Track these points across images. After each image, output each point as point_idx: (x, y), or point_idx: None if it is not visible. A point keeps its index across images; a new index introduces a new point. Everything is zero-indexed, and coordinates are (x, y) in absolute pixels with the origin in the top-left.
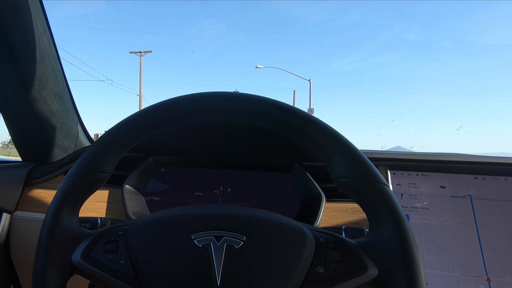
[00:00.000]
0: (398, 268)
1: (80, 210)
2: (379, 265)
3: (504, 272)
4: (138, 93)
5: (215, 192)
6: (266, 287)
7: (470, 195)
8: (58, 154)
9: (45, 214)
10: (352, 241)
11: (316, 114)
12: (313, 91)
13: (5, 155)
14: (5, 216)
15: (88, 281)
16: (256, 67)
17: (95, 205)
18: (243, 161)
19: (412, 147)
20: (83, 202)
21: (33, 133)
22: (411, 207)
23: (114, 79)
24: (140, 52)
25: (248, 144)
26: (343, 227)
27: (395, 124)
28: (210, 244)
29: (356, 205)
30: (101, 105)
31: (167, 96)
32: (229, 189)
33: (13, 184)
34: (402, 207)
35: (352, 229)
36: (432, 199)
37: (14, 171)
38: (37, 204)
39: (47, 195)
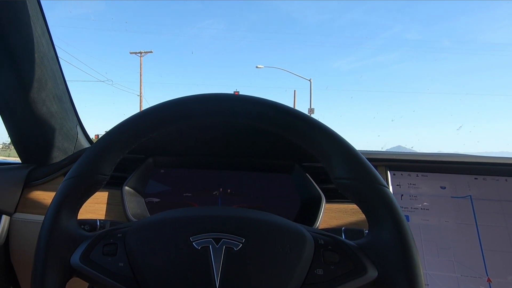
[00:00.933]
0: (398, 269)
1: (80, 211)
2: (379, 267)
3: (505, 272)
4: (139, 94)
5: (215, 193)
6: None
7: (470, 196)
8: (57, 156)
9: (44, 216)
10: (351, 242)
11: (316, 114)
12: (313, 91)
13: (4, 157)
14: (5, 218)
15: (87, 284)
16: (257, 67)
17: (95, 207)
18: (243, 161)
19: (412, 147)
20: (82, 204)
21: (33, 135)
22: (411, 208)
23: (115, 80)
24: (140, 52)
25: (248, 145)
26: (343, 228)
27: (395, 125)
28: (209, 247)
29: (355, 206)
30: (102, 105)
31: (168, 97)
32: (229, 190)
33: (12, 186)
34: (402, 207)
35: (351, 231)
36: (432, 199)
37: (14, 173)
38: (37, 206)
39: (46, 196)
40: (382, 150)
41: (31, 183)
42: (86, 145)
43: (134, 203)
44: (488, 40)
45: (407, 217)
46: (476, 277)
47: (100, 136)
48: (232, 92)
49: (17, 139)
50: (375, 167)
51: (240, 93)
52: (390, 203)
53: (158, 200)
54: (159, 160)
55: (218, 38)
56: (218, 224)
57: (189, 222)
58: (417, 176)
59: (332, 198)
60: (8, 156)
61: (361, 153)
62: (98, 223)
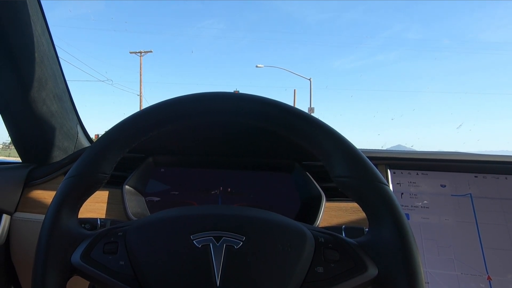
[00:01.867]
0: (398, 267)
1: (80, 211)
2: (379, 265)
3: (505, 270)
4: (139, 94)
5: (215, 192)
6: (266, 287)
7: (470, 194)
8: (58, 155)
9: (44, 215)
10: (351, 240)
11: (316, 113)
12: (314, 90)
13: (5, 156)
14: (5, 217)
15: (88, 282)
16: (257, 66)
17: (95, 206)
18: (243, 160)
19: (412, 146)
20: (83, 203)
21: (33, 135)
22: (412, 206)
23: (114, 80)
24: (140, 52)
25: (248, 143)
26: (343, 226)
27: (395, 123)
28: (210, 245)
29: (356, 204)
30: (102, 105)
31: (168, 96)
32: (229, 189)
33: (13, 185)
34: (402, 206)
35: (352, 229)
36: (433, 197)
37: (14, 172)
38: (37, 205)
39: (47, 196)
40: (383, 149)
41: (31, 182)
42: (86, 144)
43: (134, 202)
44: (488, 39)
45: (407, 215)
46: (476, 275)
47: (100, 136)
48: (232, 91)
49: (18, 139)
50: (376, 165)
51: (240, 92)
52: (391, 201)
53: (158, 198)
54: (159, 159)
55: (218, 38)
56: (219, 222)
57: (189, 220)
58: (417, 174)
59: (332, 196)
60: (9, 156)
61: (361, 152)
62: (98, 222)
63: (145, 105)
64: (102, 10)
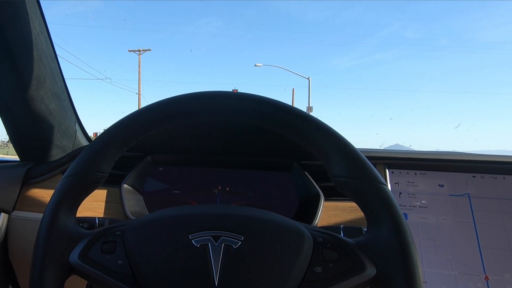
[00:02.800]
0: (396, 267)
1: (78, 209)
2: (377, 265)
3: (502, 270)
4: (137, 92)
5: (213, 191)
6: (264, 287)
7: (468, 194)
8: (56, 153)
9: (43, 214)
10: (350, 240)
11: (314, 112)
12: (312, 89)
13: (3, 154)
14: (3, 216)
15: (86, 282)
16: (255, 65)
17: (93, 204)
18: (241, 159)
19: (410, 145)
20: (81, 202)
21: (31, 133)
22: (410, 206)
23: (113, 78)
24: (139, 50)
25: (246, 142)
26: (342, 226)
27: (393, 123)
28: (208, 244)
29: (354, 204)
30: (100, 103)
31: (166, 95)
32: (227, 188)
33: (11, 184)
34: (401, 205)
35: (350, 228)
36: (431, 197)
37: (12, 171)
38: (35, 204)
39: (45, 194)
40: (381, 148)
41: (29, 181)
42: (84, 142)
43: (132, 201)
44: (486, 38)
45: (405, 215)
46: (473, 275)
47: (99, 134)
48: (231, 90)
49: (16, 137)
50: (374, 165)
51: (239, 91)
52: (389, 201)
53: (156, 197)
54: (158, 158)
55: (217, 36)
56: (217, 221)
57: (188, 219)
58: (415, 174)
59: (331, 196)
60: (7, 154)
61: (360, 151)
62: (96, 221)
63: (143, 103)
64: (101, 8)
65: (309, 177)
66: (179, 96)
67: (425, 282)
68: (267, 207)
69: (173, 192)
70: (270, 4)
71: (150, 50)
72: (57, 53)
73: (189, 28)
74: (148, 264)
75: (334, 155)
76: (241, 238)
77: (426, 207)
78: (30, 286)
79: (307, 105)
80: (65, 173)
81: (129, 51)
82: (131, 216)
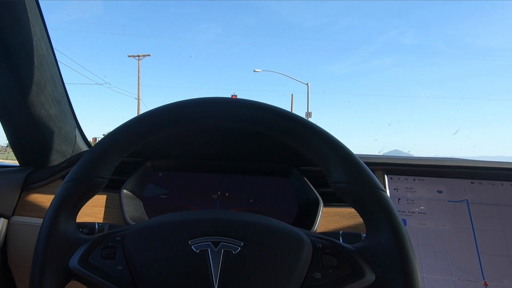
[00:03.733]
0: (395, 273)
1: (78, 215)
2: (376, 271)
3: (501, 276)
4: (137, 97)
5: (213, 196)
6: None
7: (467, 200)
8: (56, 159)
9: (42, 219)
10: (349, 246)
11: (313, 118)
12: (311, 95)
13: (2, 159)
14: (3, 221)
15: (86, 287)
16: (254, 71)
17: (93, 210)
18: (241, 165)
19: (409, 151)
20: (81, 207)
21: (31, 138)
22: (408, 212)
23: (113, 83)
24: (138, 56)
25: (246, 148)
26: (341, 232)
27: (392, 129)
28: (208, 250)
29: (353, 210)
30: (100, 109)
31: (166, 100)
32: (227, 194)
33: (10, 189)
34: (400, 211)
35: (349, 234)
36: (429, 203)
37: (12, 176)
38: (35, 209)
39: (45, 199)
40: (380, 154)
41: (29, 186)
42: (84, 148)
43: (132, 206)
44: (483, 45)
45: (404, 221)
46: (472, 281)
47: (98, 140)
48: (230, 96)
49: (16, 142)
50: (373, 171)
51: (238, 97)
52: (388, 207)
53: (156, 203)
54: (158, 163)
55: (216, 42)
56: (217, 227)
57: (187, 225)
58: (414, 180)
59: (330, 201)
60: (6, 159)
61: (359, 157)
62: (96, 226)
63: (143, 109)
64: (101, 14)
65: (308, 182)
66: (179, 102)
67: None
68: (266, 213)
69: (173, 197)
70: (269, 10)
71: (149, 55)
72: (57, 58)
73: (189, 34)
74: (147, 269)
75: (333, 161)
76: (241, 243)
77: (425, 213)
78: None
79: (306, 111)
80: (65, 178)
81: (129, 56)
82: (130, 222)
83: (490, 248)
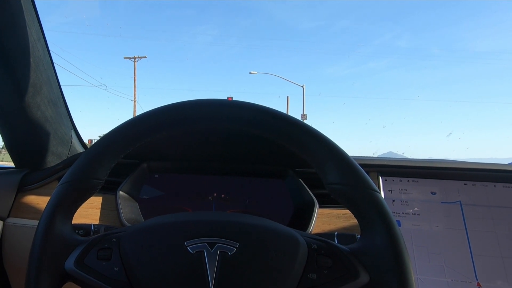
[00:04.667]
0: (389, 274)
1: (74, 216)
2: (371, 272)
3: (494, 277)
4: (133, 99)
5: (209, 198)
6: None
7: (460, 201)
8: (51, 160)
9: (38, 221)
10: (344, 247)
11: (309, 120)
12: (306, 97)
13: None
14: None
15: None
16: (250, 73)
17: (89, 211)
18: (237, 167)
19: (403, 153)
20: (77, 209)
21: (27, 140)
22: (403, 213)
23: (109, 85)
24: (134, 57)
25: (242, 150)
26: (336, 233)
27: (386, 131)
28: (204, 251)
29: (348, 211)
30: (96, 111)
31: (162, 102)
32: (223, 195)
33: (6, 190)
34: (394, 213)
35: (344, 235)
36: (423, 205)
37: (7, 177)
38: (31, 211)
39: (40, 201)
40: (374, 156)
41: (25, 188)
42: (80, 149)
43: (128, 208)
44: (477, 48)
45: (398, 222)
46: (466, 282)
47: (94, 141)
48: (226, 97)
49: (11, 144)
50: (367, 172)
51: (234, 99)
52: (382, 208)
53: (152, 204)
54: (154, 165)
55: (212, 44)
56: (213, 228)
57: (183, 226)
58: (408, 181)
59: (325, 203)
60: (2, 160)
61: (353, 159)
62: (92, 228)
63: (139, 110)
64: (97, 15)
65: (304, 184)
66: (174, 103)
67: None
68: (262, 214)
69: (169, 199)
70: (265, 13)
71: (145, 57)
72: (53, 60)
73: (185, 36)
74: (143, 271)
75: (328, 163)
76: (237, 245)
77: (419, 214)
78: None
79: (302, 113)
80: (61, 180)
81: (125, 58)
82: (126, 223)
83: (483, 249)
